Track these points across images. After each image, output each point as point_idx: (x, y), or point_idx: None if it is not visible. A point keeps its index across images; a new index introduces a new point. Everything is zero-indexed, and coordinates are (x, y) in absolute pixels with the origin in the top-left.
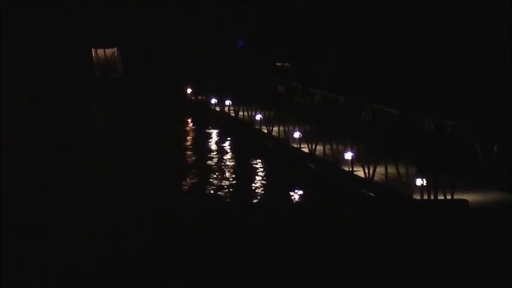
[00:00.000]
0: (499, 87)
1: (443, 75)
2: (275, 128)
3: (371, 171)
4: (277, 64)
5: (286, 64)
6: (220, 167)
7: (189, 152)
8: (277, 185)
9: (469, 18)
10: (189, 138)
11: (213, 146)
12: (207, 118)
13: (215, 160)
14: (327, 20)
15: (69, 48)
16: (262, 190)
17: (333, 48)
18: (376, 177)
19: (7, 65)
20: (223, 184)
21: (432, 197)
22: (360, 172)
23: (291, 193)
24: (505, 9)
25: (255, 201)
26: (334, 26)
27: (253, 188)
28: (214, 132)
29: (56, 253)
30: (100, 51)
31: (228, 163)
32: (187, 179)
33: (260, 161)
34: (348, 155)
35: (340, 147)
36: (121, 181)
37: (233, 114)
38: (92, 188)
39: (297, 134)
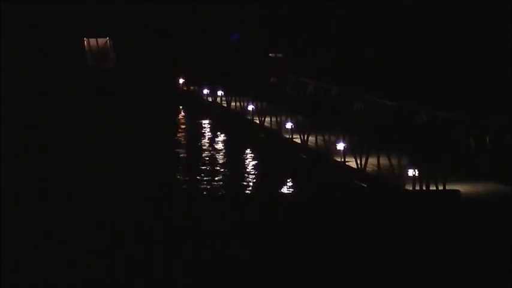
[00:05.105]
0: (494, 81)
1: (439, 70)
2: (267, 119)
3: (363, 162)
4: (270, 55)
5: (278, 55)
6: (211, 158)
7: (181, 144)
8: (268, 175)
9: (467, 14)
10: (180, 129)
11: (205, 137)
12: (198, 109)
13: (206, 152)
14: (327, 20)
15: (65, 42)
16: (253, 180)
17: (335, 47)
18: (368, 168)
19: (6, 64)
20: (214, 175)
21: (424, 188)
22: (352, 163)
23: (282, 183)
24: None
25: (246, 191)
26: (335, 24)
27: (244, 178)
28: (205, 123)
29: (56, 253)
30: (92, 41)
31: (219, 154)
32: (179, 172)
33: (252, 151)
34: (340, 146)
35: (333, 138)
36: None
37: (225, 105)
38: (91, 187)
39: (289, 125)
